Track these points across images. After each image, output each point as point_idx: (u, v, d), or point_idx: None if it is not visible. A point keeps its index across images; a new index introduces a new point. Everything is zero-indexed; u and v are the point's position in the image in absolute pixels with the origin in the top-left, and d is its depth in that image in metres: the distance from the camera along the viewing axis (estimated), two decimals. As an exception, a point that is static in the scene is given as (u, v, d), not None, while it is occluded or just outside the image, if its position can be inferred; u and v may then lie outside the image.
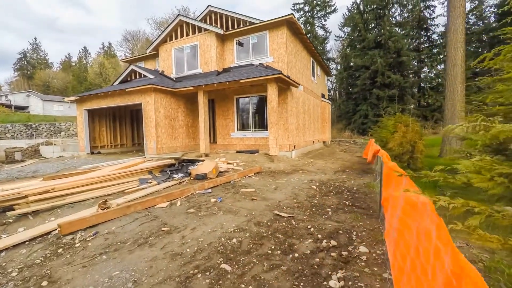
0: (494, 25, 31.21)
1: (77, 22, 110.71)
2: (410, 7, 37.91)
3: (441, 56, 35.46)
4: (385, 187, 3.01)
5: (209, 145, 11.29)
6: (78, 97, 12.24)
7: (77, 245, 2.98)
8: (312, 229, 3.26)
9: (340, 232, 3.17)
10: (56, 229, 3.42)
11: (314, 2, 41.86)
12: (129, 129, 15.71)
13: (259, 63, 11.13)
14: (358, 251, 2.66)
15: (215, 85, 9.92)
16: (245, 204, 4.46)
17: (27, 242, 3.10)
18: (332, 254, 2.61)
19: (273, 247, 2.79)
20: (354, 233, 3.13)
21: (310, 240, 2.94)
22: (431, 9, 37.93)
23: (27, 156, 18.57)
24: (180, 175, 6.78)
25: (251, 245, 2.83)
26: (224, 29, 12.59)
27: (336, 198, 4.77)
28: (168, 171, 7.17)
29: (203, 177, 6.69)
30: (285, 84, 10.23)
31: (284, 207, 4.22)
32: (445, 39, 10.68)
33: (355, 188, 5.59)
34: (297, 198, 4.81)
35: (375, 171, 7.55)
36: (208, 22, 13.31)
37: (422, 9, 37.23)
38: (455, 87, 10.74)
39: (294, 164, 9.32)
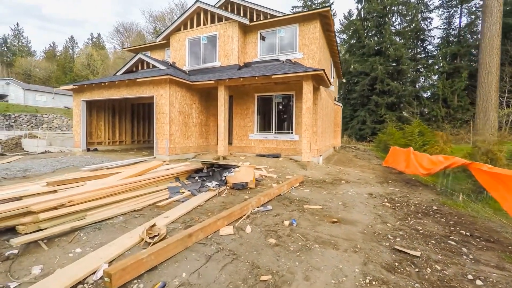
0: None
1: (64, 12, 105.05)
2: (409, 17, 38.45)
3: (437, 67, 36.19)
4: None
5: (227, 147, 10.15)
6: (76, 86, 10.70)
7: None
8: (478, 281, 2.30)
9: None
10: (92, 273, 2.26)
11: (313, 6, 41.54)
12: (129, 125, 14.20)
13: (286, 59, 10.16)
14: None
15: (241, 79, 8.83)
16: (330, 230, 3.44)
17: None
18: None
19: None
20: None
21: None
22: (428, 20, 38.79)
23: (7, 150, 16.50)
24: (214, 183, 5.64)
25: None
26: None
27: (433, 222, 3.86)
28: (197, 178, 6.01)
29: (243, 187, 5.61)
30: (317, 83, 9.31)
31: (389, 236, 3.24)
32: (479, 45, 10.22)
33: (435, 207, 4.72)
34: (385, 220, 3.86)
35: (422, 183, 6.73)
36: (225, 12, 12.17)
37: (419, 20, 37.94)
38: (488, 96, 10.26)
39: (328, 172, 8.40)
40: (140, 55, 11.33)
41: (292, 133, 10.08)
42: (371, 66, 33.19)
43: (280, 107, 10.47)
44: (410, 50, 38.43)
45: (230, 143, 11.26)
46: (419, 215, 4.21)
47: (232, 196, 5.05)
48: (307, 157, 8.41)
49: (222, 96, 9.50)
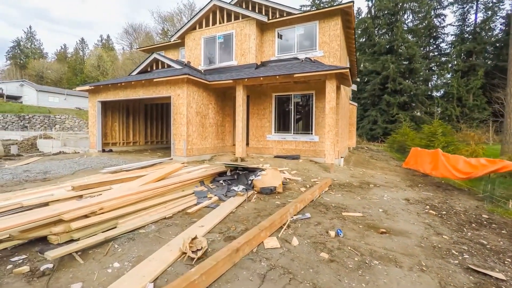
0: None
1: (73, 14, 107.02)
2: (421, 14, 37.45)
3: (450, 65, 35.14)
4: None
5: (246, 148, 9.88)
6: (92, 87, 10.62)
7: None
8: None
9: None
10: (139, 294, 2.01)
11: (321, 5, 40.96)
12: (142, 125, 14.11)
13: (306, 57, 9.83)
14: None
15: (261, 78, 8.55)
16: (382, 242, 3.12)
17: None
18: None
19: None
20: None
21: None
22: (442, 17, 37.72)
23: (23, 150, 16.68)
24: (241, 187, 5.37)
25: None
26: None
27: (494, 234, 3.49)
28: (222, 182, 5.76)
29: (271, 191, 5.33)
30: (339, 82, 8.95)
31: (453, 252, 2.90)
32: (510, 40, 9.67)
33: (485, 216, 4.33)
34: (439, 231, 3.51)
35: (455, 187, 6.26)
36: (241, 10, 11.92)
37: (432, 17, 36.91)
38: (520, 94, 9.71)
39: (352, 175, 8.04)
40: (155, 55, 11.19)
41: (312, 134, 9.75)
42: (382, 65, 32.45)
43: (299, 107, 10.14)
44: (422, 48, 37.45)
45: (246, 144, 10.98)
46: (473, 225, 3.84)
47: (263, 202, 4.78)
48: (330, 159, 8.07)
49: (240, 96, 9.24)
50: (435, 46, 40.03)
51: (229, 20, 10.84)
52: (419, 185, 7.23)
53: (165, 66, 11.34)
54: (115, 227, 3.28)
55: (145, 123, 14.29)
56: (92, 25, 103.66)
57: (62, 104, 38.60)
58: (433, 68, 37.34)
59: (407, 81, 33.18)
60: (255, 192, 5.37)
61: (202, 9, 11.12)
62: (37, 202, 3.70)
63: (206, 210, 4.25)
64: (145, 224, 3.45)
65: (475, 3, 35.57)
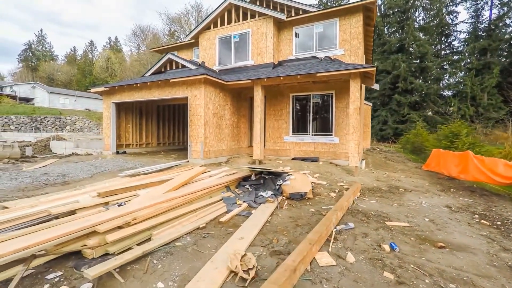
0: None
1: (83, 17, 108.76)
2: (433, 12, 36.57)
3: (463, 63, 34.24)
4: None
5: (263, 150, 9.61)
6: (107, 88, 10.52)
7: None
8: None
9: None
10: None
11: (329, 4, 40.38)
12: (155, 127, 13.98)
13: (325, 56, 9.50)
14: None
15: (281, 78, 8.26)
16: (447, 259, 2.80)
17: None
18: None
19: None
20: None
21: None
22: (454, 14, 36.79)
23: (37, 152, 16.77)
24: (269, 193, 5.10)
25: None
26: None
27: None
28: (248, 187, 5.49)
29: (301, 197, 5.04)
30: (362, 82, 8.60)
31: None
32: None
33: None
34: (505, 246, 3.15)
35: (491, 192, 5.90)
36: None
37: (445, 14, 36.02)
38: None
39: (377, 178, 7.67)
40: (169, 55, 11.02)
41: (331, 135, 9.41)
42: (393, 64, 31.77)
43: (318, 107, 9.82)
44: (433, 47, 36.56)
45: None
46: (537, 238, 3.47)
47: (296, 209, 4.49)
48: (354, 162, 7.72)
49: (258, 97, 8.97)
50: (446, 44, 39.10)
51: (245, 18, 10.59)
52: (451, 189, 6.83)
53: (179, 67, 11.16)
54: (150, 239, 3.04)
55: (157, 124, 14.16)
56: (100, 28, 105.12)
57: (73, 106, 39.08)
58: (444, 66, 36.42)
59: (418, 80, 32.45)
60: (284, 198, 5.09)
61: (217, 8, 10.90)
62: (65, 210, 3.50)
63: (239, 218, 4.00)
64: (179, 235, 3.20)
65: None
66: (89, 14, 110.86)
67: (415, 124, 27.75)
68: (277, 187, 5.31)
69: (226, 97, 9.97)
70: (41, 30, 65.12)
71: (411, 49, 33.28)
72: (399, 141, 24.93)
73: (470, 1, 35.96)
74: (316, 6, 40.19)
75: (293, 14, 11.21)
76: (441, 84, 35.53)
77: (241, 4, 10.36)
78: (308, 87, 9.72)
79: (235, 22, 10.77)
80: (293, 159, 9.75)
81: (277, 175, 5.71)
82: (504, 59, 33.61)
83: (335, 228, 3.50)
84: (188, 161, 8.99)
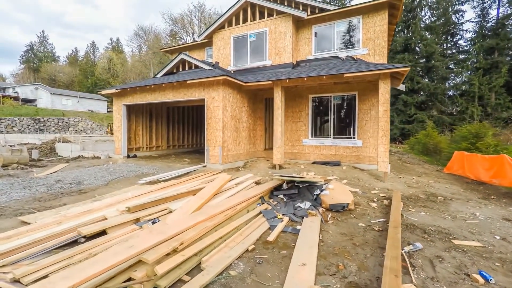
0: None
1: (84, 18, 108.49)
2: (439, 11, 36.19)
3: (470, 63, 33.86)
4: None
5: (284, 154, 9.18)
6: (118, 90, 10.10)
7: None
8: None
9: None
10: None
11: (332, 3, 39.98)
12: (164, 129, 13.57)
13: (347, 56, 9.09)
14: None
15: (304, 79, 7.84)
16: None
17: None
18: None
19: None
20: None
21: None
22: (460, 13, 36.37)
23: (43, 155, 16.33)
24: (307, 204, 4.67)
25: None
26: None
27: None
28: (282, 197, 5.07)
29: (343, 208, 4.62)
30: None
31: None
32: None
33: None
34: None
35: None
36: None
37: (451, 13, 35.63)
38: None
39: (407, 184, 7.24)
40: (182, 55, 10.60)
41: (354, 138, 8.99)
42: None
43: (339, 109, 9.39)
44: (439, 46, 36.15)
45: (279, 149, 10.31)
46: None
47: (343, 223, 4.07)
48: (384, 167, 7.30)
49: (279, 98, 8.55)
50: (452, 44, 38.70)
51: (261, 17, 10.18)
52: (491, 196, 6.40)
53: (192, 67, 10.75)
54: (202, 268, 2.62)
55: (167, 126, 13.75)
56: (102, 29, 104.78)
57: (75, 107, 38.68)
58: (450, 66, 36.01)
59: (425, 80, 32.10)
60: (324, 209, 4.67)
61: (232, 7, 10.48)
62: (96, 229, 3.09)
63: (285, 236, 3.58)
64: (231, 261, 2.78)
65: (498, -3, 34.11)
66: (91, 16, 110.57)
67: (422, 124, 27.29)
68: (315, 197, 4.89)
69: (243, 99, 9.56)
70: (43, 31, 64.69)
71: (417, 48, 32.90)
72: (407, 142, 24.56)
73: (477, 0, 35.58)
74: (332, 4, 39.86)
75: (309, 13, 10.79)
76: (447, 84, 35.13)
77: (258, 2, 9.93)
78: (329, 88, 9.31)
79: (251, 21, 10.36)
80: (313, 163, 9.33)
81: (310, 184, 5.29)
82: (512, 59, 33.17)
83: (403, 249, 3.08)
84: (205, 166, 8.58)
